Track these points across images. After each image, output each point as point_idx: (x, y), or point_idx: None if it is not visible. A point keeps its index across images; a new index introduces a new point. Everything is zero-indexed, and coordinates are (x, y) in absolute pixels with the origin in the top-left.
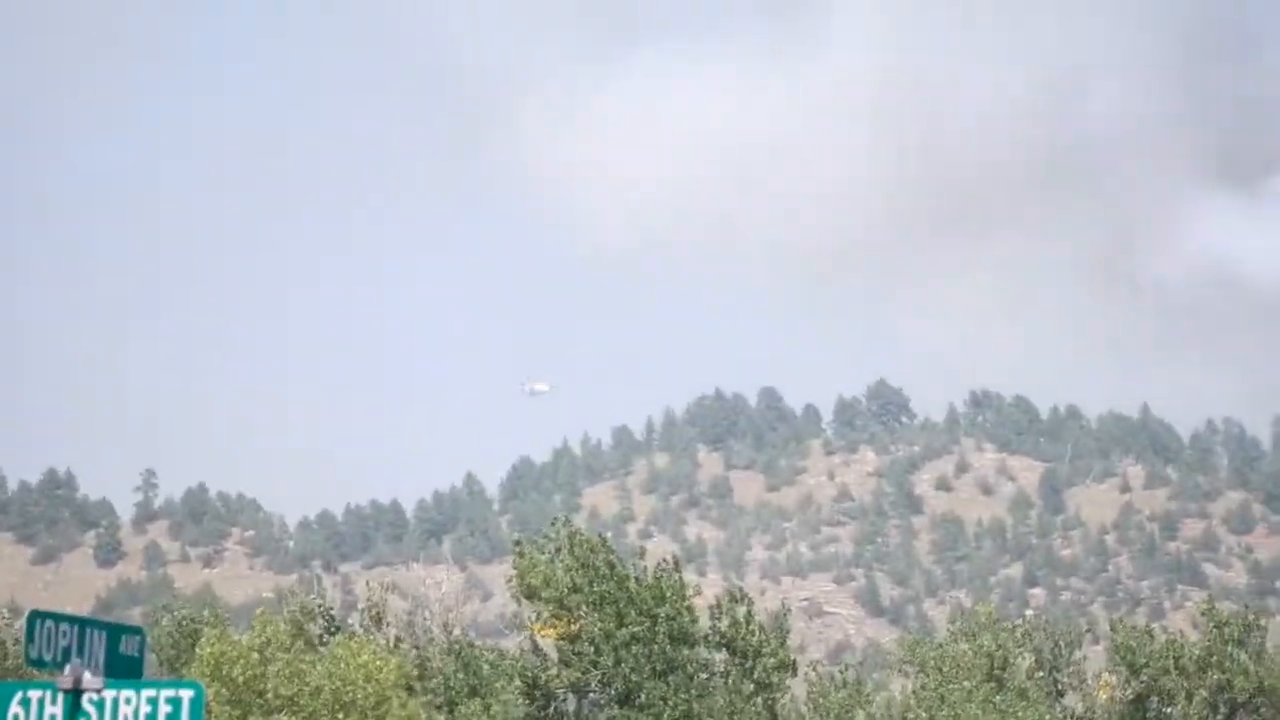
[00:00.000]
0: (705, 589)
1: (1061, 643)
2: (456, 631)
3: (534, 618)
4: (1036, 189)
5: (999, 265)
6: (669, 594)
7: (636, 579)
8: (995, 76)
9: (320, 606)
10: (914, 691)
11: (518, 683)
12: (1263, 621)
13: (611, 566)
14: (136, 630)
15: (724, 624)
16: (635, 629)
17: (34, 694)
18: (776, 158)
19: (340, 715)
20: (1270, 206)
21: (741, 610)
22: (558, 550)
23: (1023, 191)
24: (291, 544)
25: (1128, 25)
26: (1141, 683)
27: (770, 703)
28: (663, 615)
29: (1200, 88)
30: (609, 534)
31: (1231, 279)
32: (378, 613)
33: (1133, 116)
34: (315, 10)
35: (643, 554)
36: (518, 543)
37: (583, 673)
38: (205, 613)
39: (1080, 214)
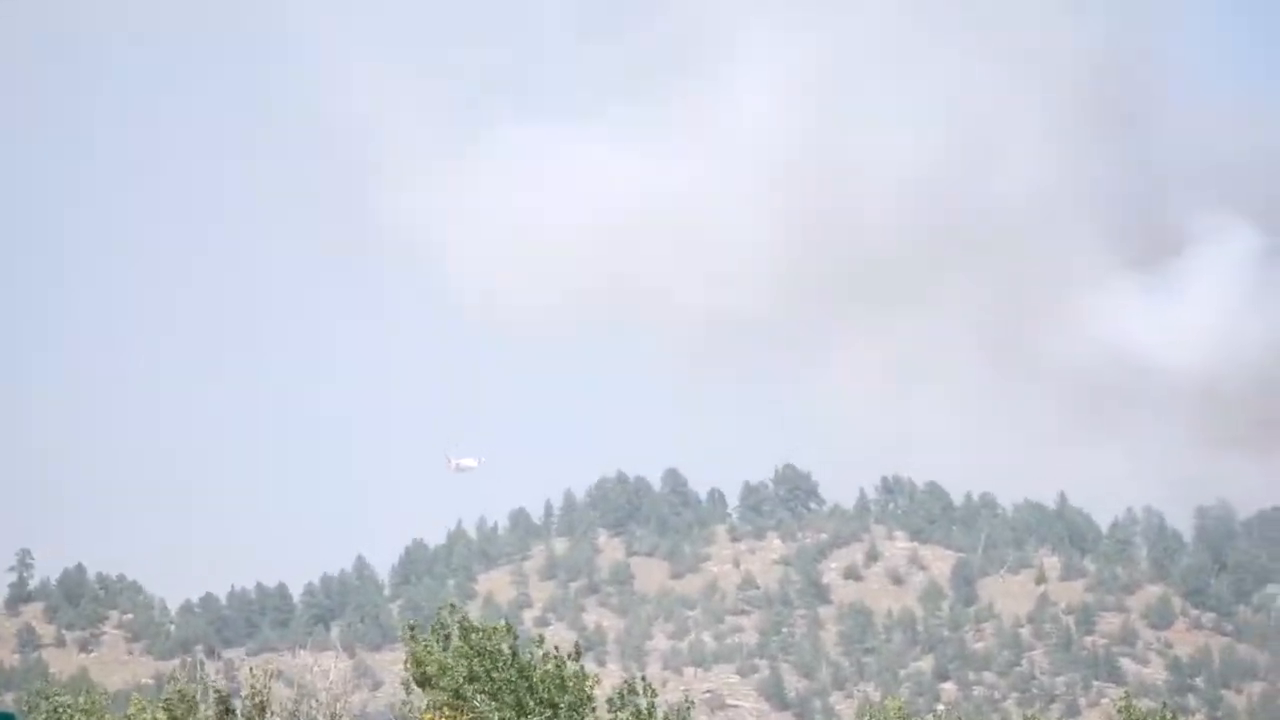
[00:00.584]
0: (605, 679)
1: None
2: None
3: (424, 707)
4: (940, 266)
5: (905, 346)
6: (570, 683)
7: (534, 667)
8: (897, 152)
9: (218, 693)
10: None
11: None
12: None
13: (514, 654)
14: (8, 716)
15: (624, 716)
16: (536, 719)
17: None
18: (673, 231)
19: None
20: (1173, 290)
21: (643, 702)
22: (447, 637)
23: (926, 269)
24: (173, 628)
25: (1033, 100)
26: None
27: None
28: (564, 705)
29: (1105, 166)
30: (504, 623)
31: (1141, 365)
32: (261, 701)
33: (1037, 194)
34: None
35: (541, 642)
36: (411, 628)
37: None
38: (81, 699)
39: (985, 293)
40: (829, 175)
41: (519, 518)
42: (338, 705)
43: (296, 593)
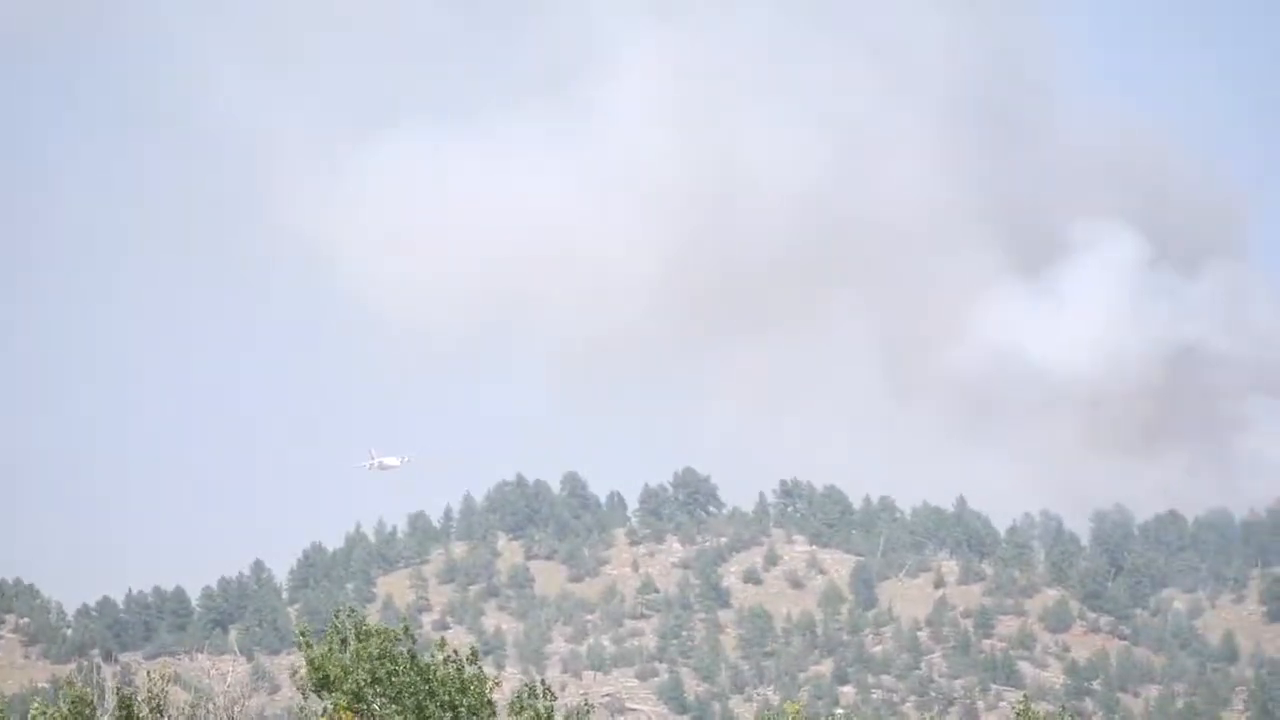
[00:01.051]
0: (504, 683)
1: None
2: None
3: (322, 711)
4: (830, 276)
5: (797, 354)
6: (470, 686)
7: (434, 670)
8: (786, 160)
9: (121, 696)
10: None
11: None
12: None
13: (413, 657)
14: None
15: (524, 719)
16: None
17: None
18: (566, 240)
19: None
20: (1060, 298)
21: (542, 705)
22: (343, 641)
23: (817, 278)
24: (69, 632)
25: (918, 109)
26: None
27: None
28: (464, 708)
29: (991, 174)
30: (403, 624)
31: (1028, 372)
32: (158, 704)
33: (924, 202)
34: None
35: (442, 644)
36: (303, 633)
37: None
38: None
39: (874, 302)
40: (718, 186)
41: (418, 521)
42: (235, 709)
43: (195, 596)
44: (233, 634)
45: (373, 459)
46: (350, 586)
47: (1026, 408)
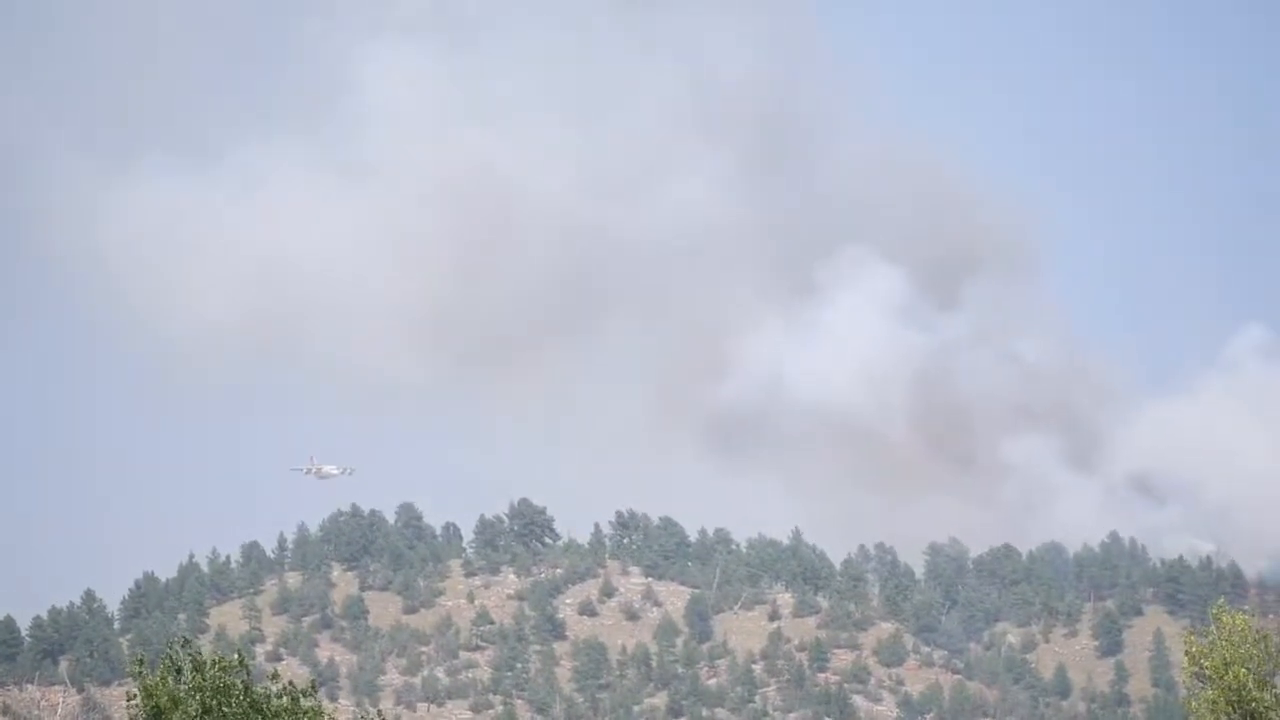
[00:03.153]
0: (338, 715)
1: None
2: None
3: None
4: (608, 302)
5: (577, 382)
6: (305, 719)
7: (268, 702)
8: (557, 186)
9: None
10: None
11: None
12: None
13: (246, 688)
14: None
15: None
16: None
17: None
18: (333, 275)
19: None
20: (825, 331)
21: None
22: (178, 671)
23: (594, 305)
24: None
25: (703, 129)
26: None
27: None
28: None
29: (761, 204)
30: (238, 655)
31: (798, 404)
32: None
33: (695, 231)
34: None
35: (274, 676)
36: (140, 661)
37: None
38: None
39: (648, 329)
40: (487, 215)
41: (251, 551)
42: None
43: (24, 626)
44: (63, 665)
45: (311, 464)
46: (183, 617)
47: (793, 439)
